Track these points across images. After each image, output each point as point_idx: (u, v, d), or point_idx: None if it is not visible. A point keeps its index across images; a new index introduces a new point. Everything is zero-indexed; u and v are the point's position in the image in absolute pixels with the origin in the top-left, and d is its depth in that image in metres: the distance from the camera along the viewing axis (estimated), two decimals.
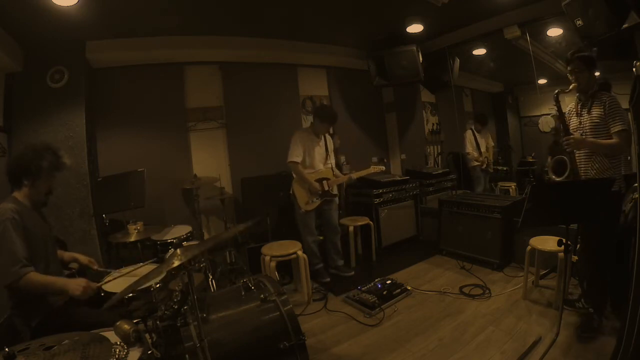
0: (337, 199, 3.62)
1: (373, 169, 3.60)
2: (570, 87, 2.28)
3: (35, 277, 1.65)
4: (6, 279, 1.62)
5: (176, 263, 1.19)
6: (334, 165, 3.60)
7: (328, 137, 3.63)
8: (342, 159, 4.65)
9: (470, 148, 4.95)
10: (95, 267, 2.15)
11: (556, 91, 2.33)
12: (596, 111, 2.22)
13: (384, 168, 3.68)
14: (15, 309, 1.76)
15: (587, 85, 2.25)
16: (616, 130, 2.13)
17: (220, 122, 4.05)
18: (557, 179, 2.34)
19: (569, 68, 2.29)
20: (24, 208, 1.80)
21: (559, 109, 2.34)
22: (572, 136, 2.26)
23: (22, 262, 1.62)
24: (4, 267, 1.61)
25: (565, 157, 2.29)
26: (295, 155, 3.34)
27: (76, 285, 1.70)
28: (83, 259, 2.15)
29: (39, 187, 1.86)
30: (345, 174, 3.67)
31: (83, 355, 1.06)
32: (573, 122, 2.38)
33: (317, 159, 3.46)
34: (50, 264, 1.87)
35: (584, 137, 2.28)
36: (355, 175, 3.59)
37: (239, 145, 4.10)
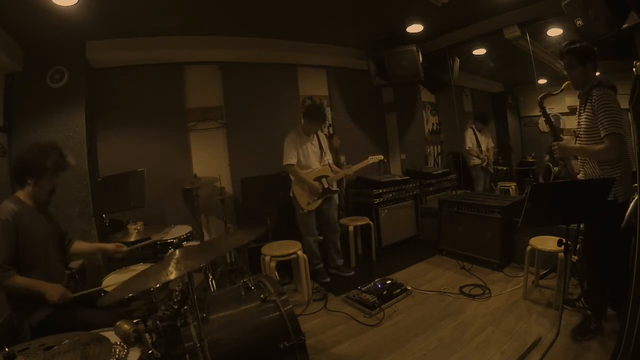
0: (337, 196, 3.62)
1: (371, 159, 3.58)
2: (563, 85, 2.17)
3: (18, 280, 1.66)
4: None
5: (172, 276, 1.18)
6: (331, 162, 3.61)
7: (321, 134, 3.64)
8: (342, 159, 4.65)
9: (470, 144, 4.96)
10: (125, 248, 2.21)
11: (540, 95, 2.25)
12: (588, 110, 2.05)
13: (382, 157, 3.66)
14: (15, 310, 1.76)
15: (580, 80, 2.08)
16: (604, 133, 1.94)
17: (220, 122, 4.05)
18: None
19: (562, 63, 2.17)
20: (25, 208, 1.80)
21: (545, 114, 2.27)
22: (558, 142, 2.16)
23: (4, 268, 1.63)
24: None
25: (550, 164, 2.25)
26: (290, 157, 3.34)
27: (53, 291, 1.71)
28: (109, 246, 2.20)
29: (43, 186, 1.86)
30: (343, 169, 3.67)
31: (83, 355, 1.06)
32: (576, 122, 2.27)
33: (312, 158, 3.47)
34: (51, 264, 1.87)
35: (572, 142, 2.18)
36: (353, 168, 3.58)
37: (239, 145, 4.10)
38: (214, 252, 1.53)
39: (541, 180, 2.34)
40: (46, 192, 1.89)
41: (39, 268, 1.78)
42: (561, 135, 2.29)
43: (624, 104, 1.96)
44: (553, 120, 2.39)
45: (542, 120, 4.92)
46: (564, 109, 4.08)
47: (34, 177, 1.82)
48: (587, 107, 2.09)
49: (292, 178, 3.44)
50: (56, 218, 2.09)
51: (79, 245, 2.19)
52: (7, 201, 1.78)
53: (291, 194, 3.45)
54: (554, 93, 2.24)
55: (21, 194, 1.85)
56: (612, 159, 2.01)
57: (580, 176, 2.26)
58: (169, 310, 1.46)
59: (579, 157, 2.26)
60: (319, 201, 3.43)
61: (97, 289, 1.90)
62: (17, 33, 2.81)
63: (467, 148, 4.99)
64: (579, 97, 2.25)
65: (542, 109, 2.28)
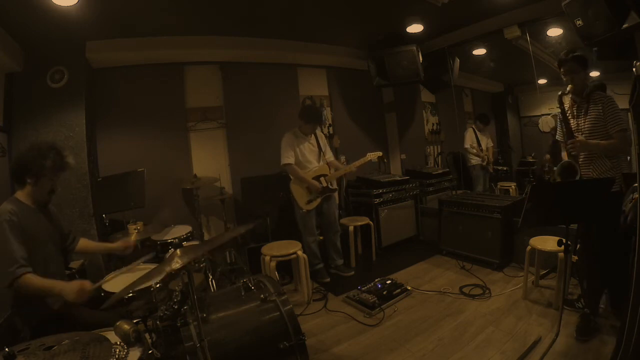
0: (336, 194, 3.62)
1: (369, 156, 3.55)
2: (568, 88, 2.26)
3: (34, 279, 1.64)
4: (4, 280, 1.61)
5: (175, 266, 1.19)
6: (331, 160, 3.61)
7: (320, 133, 3.64)
8: (342, 159, 4.65)
9: (469, 143, 4.96)
10: (132, 242, 2.20)
11: (560, 92, 2.29)
12: (594, 112, 2.21)
13: (381, 153, 3.64)
14: (15, 309, 1.76)
15: (581, 85, 2.25)
16: (616, 130, 2.13)
17: (220, 122, 4.05)
18: None
19: (562, 69, 2.26)
20: (24, 208, 1.80)
21: (563, 112, 2.31)
22: (576, 139, 2.23)
23: (20, 263, 1.61)
24: (1, 268, 1.60)
25: (572, 162, 2.27)
26: (287, 157, 3.35)
27: (70, 289, 1.67)
28: (116, 246, 2.20)
29: (43, 186, 1.85)
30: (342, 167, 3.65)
31: (83, 355, 1.06)
32: (571, 124, 2.36)
33: (310, 157, 3.48)
34: (50, 265, 1.86)
35: (585, 139, 2.25)
36: (352, 166, 3.56)
37: (239, 145, 4.10)
38: (214, 244, 1.53)
39: (558, 179, 2.34)
40: (45, 192, 1.89)
41: (39, 269, 1.78)
42: (576, 135, 2.32)
43: (624, 103, 1.97)
44: (553, 120, 2.42)
45: (542, 120, 4.97)
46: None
47: (33, 177, 1.81)
48: (590, 108, 2.22)
49: (291, 177, 3.44)
50: (58, 218, 2.08)
51: (84, 244, 2.17)
52: (6, 203, 1.78)
53: (290, 194, 3.45)
54: (566, 92, 2.30)
55: (21, 195, 1.84)
56: (623, 152, 2.19)
57: (584, 174, 2.28)
58: (169, 310, 1.46)
59: (581, 158, 2.30)
60: (318, 200, 3.43)
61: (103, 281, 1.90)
62: (17, 33, 2.81)
63: (466, 147, 4.99)
64: (575, 100, 2.33)
65: (561, 105, 2.31)
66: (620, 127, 2.13)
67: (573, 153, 2.26)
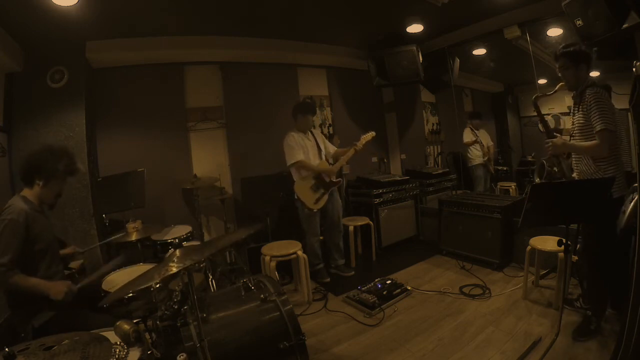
0: (337, 195, 3.63)
1: (364, 138, 3.50)
2: (557, 87, 2.20)
3: (20, 280, 1.64)
4: None
5: (173, 270, 1.19)
6: (332, 152, 3.63)
7: (314, 130, 3.66)
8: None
9: (468, 139, 4.96)
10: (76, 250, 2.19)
11: (534, 96, 2.28)
12: (583, 109, 2.12)
13: (374, 134, 3.60)
14: (17, 311, 1.76)
15: (573, 82, 2.15)
16: (596, 130, 2.00)
17: (220, 122, 4.05)
18: (538, 181, 2.35)
19: (557, 65, 2.21)
20: (33, 208, 1.80)
21: (539, 114, 2.31)
22: (552, 139, 2.20)
23: (8, 266, 1.61)
24: None
25: (544, 161, 2.27)
26: (295, 155, 3.35)
27: (57, 290, 1.68)
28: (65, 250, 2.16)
29: (52, 189, 1.86)
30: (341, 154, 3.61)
31: (83, 355, 1.06)
32: (571, 122, 2.34)
33: (312, 155, 3.49)
34: (53, 264, 1.87)
35: (565, 139, 2.22)
36: (350, 153, 3.47)
37: (239, 145, 4.10)
38: (214, 248, 1.52)
39: (537, 178, 2.36)
40: (53, 195, 1.89)
41: (42, 268, 1.78)
42: (556, 134, 2.32)
43: (624, 104, 1.96)
44: (553, 120, 2.43)
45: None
46: (564, 109, 4.08)
47: (43, 178, 1.82)
48: (581, 106, 2.15)
49: (295, 179, 3.42)
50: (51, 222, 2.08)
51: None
52: (19, 199, 1.77)
53: (295, 197, 3.40)
54: (548, 94, 2.27)
55: (29, 194, 1.84)
56: (602, 155, 2.06)
57: (575, 175, 2.28)
58: (169, 310, 1.46)
59: (573, 156, 2.29)
60: (326, 197, 3.42)
61: (99, 272, 1.92)
62: (17, 33, 2.81)
63: (465, 142, 4.98)
64: (573, 97, 2.29)
65: (537, 108, 2.31)
66: (602, 127, 1.97)
67: (549, 153, 2.25)
